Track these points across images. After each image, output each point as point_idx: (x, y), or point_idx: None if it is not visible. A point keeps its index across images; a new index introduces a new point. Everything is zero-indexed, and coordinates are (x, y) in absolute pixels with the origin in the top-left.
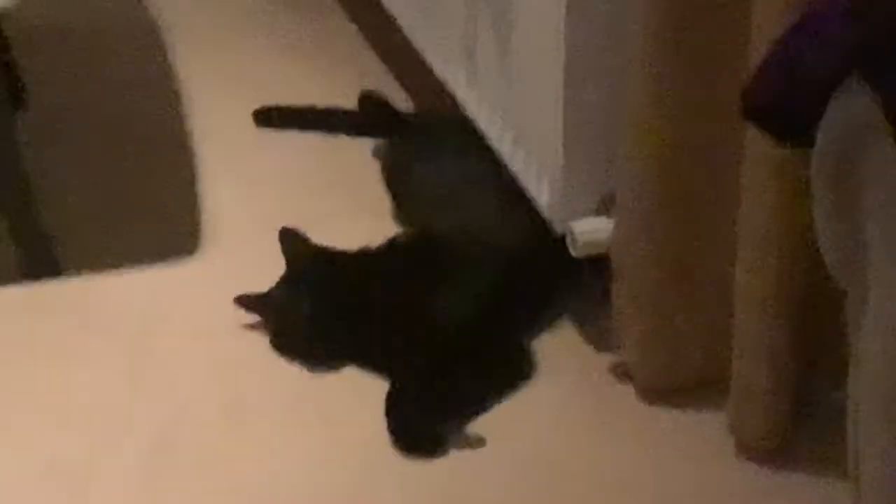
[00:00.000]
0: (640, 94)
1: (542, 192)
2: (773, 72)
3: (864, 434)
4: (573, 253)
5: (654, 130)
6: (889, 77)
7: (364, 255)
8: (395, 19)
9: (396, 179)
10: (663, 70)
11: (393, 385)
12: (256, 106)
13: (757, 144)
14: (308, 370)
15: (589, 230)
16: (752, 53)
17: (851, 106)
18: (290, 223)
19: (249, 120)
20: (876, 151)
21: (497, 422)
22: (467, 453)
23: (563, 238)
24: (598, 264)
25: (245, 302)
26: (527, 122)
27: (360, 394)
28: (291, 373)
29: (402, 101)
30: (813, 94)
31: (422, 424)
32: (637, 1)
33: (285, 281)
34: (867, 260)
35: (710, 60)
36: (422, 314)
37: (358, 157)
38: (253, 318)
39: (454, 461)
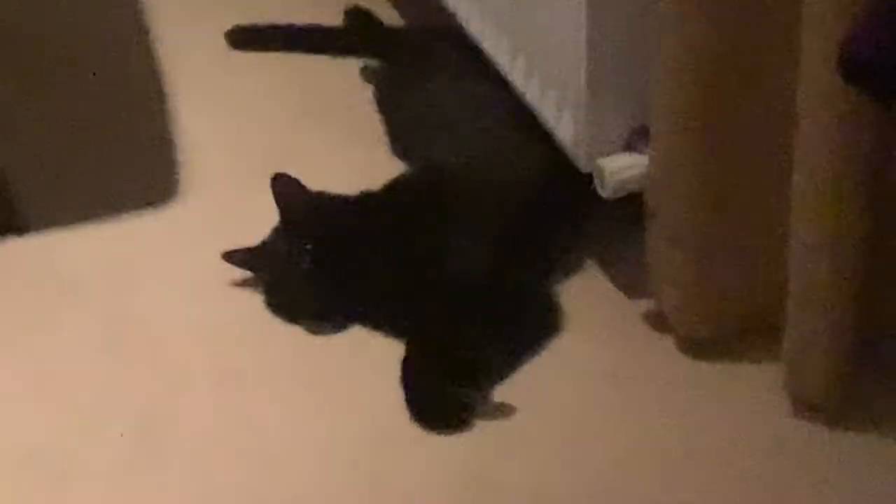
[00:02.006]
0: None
1: (563, 127)
2: (882, 21)
3: None
4: (603, 194)
5: (693, 52)
6: None
7: (366, 200)
8: None
9: (390, 104)
10: None
11: (408, 348)
12: (229, 26)
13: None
14: (309, 332)
15: (620, 168)
16: None
17: None
18: (275, 158)
19: (223, 42)
20: None
21: (524, 385)
22: (495, 424)
23: (589, 176)
24: (627, 200)
25: (234, 258)
26: (542, 44)
27: (369, 358)
28: (291, 335)
29: (390, 15)
30: None
31: (444, 393)
32: None
33: (280, 232)
34: None
35: None
36: (434, 265)
37: (345, 79)
38: (243, 274)
39: (480, 434)
